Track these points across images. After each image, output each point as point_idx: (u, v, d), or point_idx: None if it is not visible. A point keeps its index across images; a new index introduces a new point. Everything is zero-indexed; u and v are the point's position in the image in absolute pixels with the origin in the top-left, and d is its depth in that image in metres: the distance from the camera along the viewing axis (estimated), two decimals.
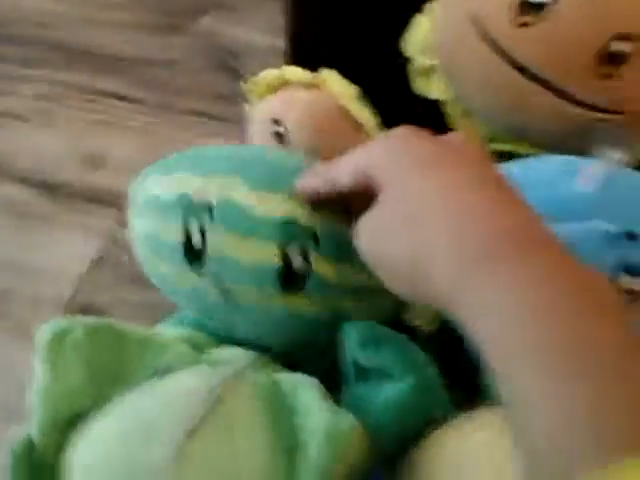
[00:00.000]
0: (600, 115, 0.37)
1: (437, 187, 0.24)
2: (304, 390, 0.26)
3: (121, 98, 0.91)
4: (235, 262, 0.30)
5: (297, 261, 0.30)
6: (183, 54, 0.97)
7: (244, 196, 0.29)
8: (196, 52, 0.97)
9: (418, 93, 0.47)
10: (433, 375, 0.31)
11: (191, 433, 0.23)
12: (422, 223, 0.23)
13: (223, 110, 0.88)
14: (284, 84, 0.48)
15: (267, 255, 0.29)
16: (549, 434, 0.18)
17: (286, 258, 0.30)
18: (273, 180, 0.31)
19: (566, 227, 0.28)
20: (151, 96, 0.92)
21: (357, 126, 0.46)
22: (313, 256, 0.30)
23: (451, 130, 0.45)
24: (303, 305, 0.30)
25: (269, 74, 0.49)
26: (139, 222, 0.32)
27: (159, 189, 0.31)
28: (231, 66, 0.95)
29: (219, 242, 0.29)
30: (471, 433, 0.27)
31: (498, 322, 0.20)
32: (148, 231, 0.32)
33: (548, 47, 0.36)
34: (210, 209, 0.30)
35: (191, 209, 0.30)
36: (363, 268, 0.27)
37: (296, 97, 0.47)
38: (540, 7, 0.35)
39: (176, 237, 0.30)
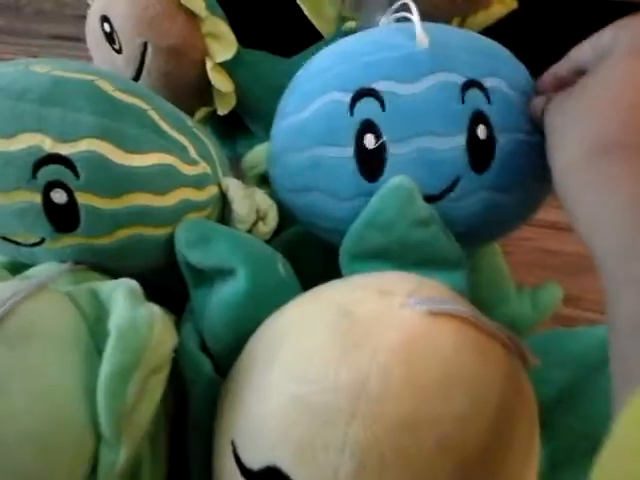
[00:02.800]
0: None
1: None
2: (118, 293, 0.24)
3: None
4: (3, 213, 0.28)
5: (58, 196, 0.28)
6: None
7: None
8: None
9: None
10: (271, 265, 0.30)
11: None
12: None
13: None
14: None
15: (25, 196, 0.28)
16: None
17: (47, 196, 0.28)
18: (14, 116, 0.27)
19: (417, 86, 0.29)
20: None
21: (189, 14, 0.43)
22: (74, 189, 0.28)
23: None
24: (90, 239, 0.29)
25: None
26: None
27: None
28: None
29: None
30: (289, 309, 0.26)
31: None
32: None
33: None
34: None
35: None
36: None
37: None
38: None
39: None
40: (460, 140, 0.29)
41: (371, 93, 0.30)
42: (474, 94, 0.30)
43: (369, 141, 0.30)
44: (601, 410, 0.25)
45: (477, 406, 0.21)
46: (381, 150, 0.30)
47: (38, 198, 0.28)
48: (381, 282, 0.25)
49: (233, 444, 0.23)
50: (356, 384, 0.20)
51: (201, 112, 0.55)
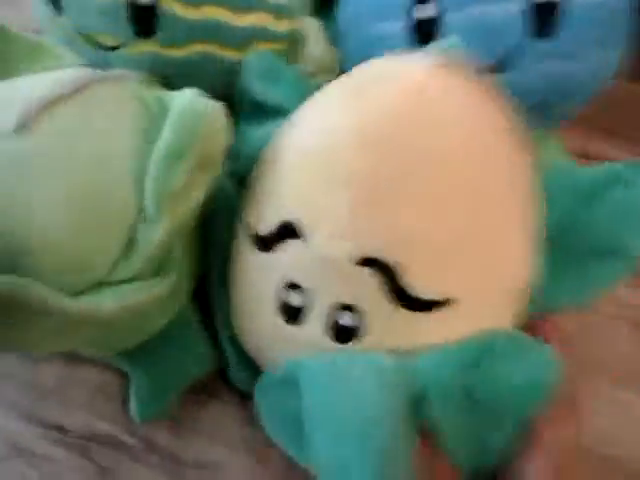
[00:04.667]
0: None
1: None
2: (183, 91, 0.24)
3: None
4: (89, 3, 0.28)
5: None
6: None
7: None
8: None
9: None
10: None
11: (46, 106, 0.21)
12: None
13: None
14: None
15: None
16: None
17: None
18: None
19: None
20: None
21: None
22: None
23: None
24: (165, 50, 0.29)
25: None
26: None
27: None
28: None
29: None
30: None
31: None
32: None
33: None
34: None
35: None
36: None
37: None
38: None
39: None
40: (519, 5, 0.28)
41: None
42: None
43: (426, 11, 0.30)
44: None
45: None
46: (436, 20, 0.29)
47: None
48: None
49: (248, 226, 0.24)
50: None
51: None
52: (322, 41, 0.33)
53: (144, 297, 0.23)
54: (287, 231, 0.22)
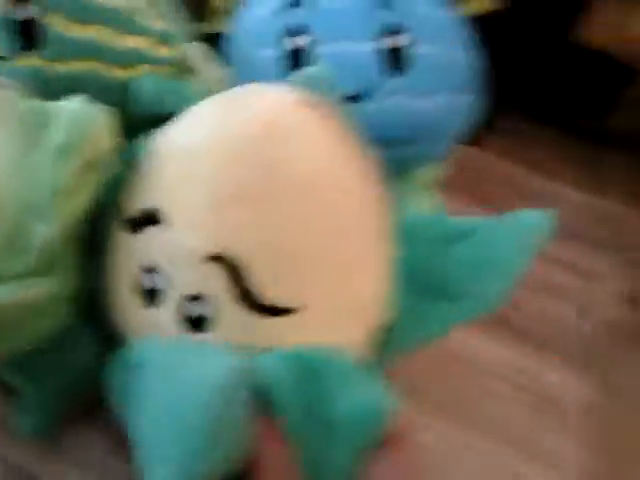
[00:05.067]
0: None
1: None
2: (71, 100, 0.24)
3: None
4: None
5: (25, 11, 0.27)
6: None
7: None
8: None
9: None
10: None
11: None
12: None
13: None
14: None
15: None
16: None
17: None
18: None
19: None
20: None
21: None
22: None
23: None
24: (49, 65, 0.29)
25: None
26: None
27: None
28: None
29: None
30: None
31: None
32: None
33: None
34: None
35: None
36: None
37: None
38: None
39: None
40: (375, 45, 0.33)
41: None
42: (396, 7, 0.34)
43: (294, 44, 0.34)
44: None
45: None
46: (304, 52, 0.34)
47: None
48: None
49: (120, 210, 0.25)
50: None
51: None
52: (212, 65, 0.35)
53: (30, 293, 0.22)
54: (150, 217, 0.23)
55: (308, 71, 0.29)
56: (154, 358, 0.22)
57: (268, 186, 0.22)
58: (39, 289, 0.23)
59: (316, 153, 0.24)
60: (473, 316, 0.27)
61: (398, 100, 0.33)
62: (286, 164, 0.23)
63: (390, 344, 0.26)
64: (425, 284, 0.27)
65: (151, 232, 0.23)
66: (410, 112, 0.34)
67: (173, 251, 0.23)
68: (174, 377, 0.20)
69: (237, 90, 0.26)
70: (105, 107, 0.24)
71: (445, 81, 0.34)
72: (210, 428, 0.19)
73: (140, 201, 0.24)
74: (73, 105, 0.23)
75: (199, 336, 0.22)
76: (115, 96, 0.31)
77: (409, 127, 0.34)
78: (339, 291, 0.23)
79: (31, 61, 0.29)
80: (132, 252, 0.24)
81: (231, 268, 0.22)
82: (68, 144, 0.22)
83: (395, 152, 0.33)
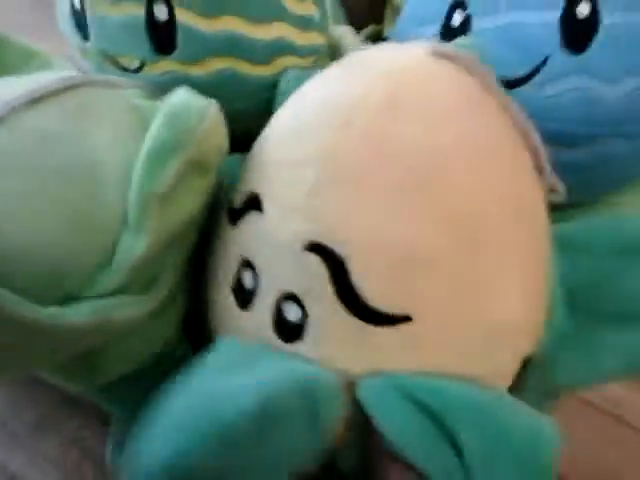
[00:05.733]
0: None
1: None
2: (176, 93, 0.22)
3: None
4: (109, 22, 0.28)
5: (159, 10, 0.27)
6: None
7: None
8: None
9: None
10: None
11: (27, 104, 0.20)
12: None
13: None
14: None
15: (132, 9, 0.28)
16: None
17: (149, 9, 0.27)
18: None
19: None
20: None
21: None
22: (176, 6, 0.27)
23: None
24: (185, 67, 0.28)
25: None
26: None
27: None
28: None
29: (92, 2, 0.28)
30: None
31: None
32: None
33: None
34: None
35: None
36: None
37: None
38: None
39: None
40: (554, 15, 0.25)
41: None
42: None
43: (455, 19, 0.28)
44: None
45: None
46: (465, 26, 0.28)
47: (142, 11, 0.28)
48: None
49: (227, 201, 0.23)
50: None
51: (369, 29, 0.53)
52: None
53: (121, 314, 0.20)
54: (250, 203, 0.21)
55: (457, 42, 0.24)
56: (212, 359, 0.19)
57: (384, 163, 0.18)
58: (129, 309, 0.20)
59: (455, 126, 0.19)
60: None
61: (577, 84, 0.26)
62: (413, 137, 0.18)
63: (548, 379, 0.21)
64: (593, 306, 0.20)
65: (251, 220, 0.21)
66: (594, 100, 0.26)
67: (269, 239, 0.20)
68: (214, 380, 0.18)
69: (357, 56, 0.22)
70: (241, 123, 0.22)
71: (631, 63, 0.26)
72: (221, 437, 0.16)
73: (242, 189, 0.22)
74: (175, 98, 0.21)
75: (293, 344, 0.19)
76: (258, 97, 0.29)
77: (582, 118, 0.26)
78: (468, 303, 0.19)
79: (167, 65, 0.29)
80: (231, 245, 0.22)
81: (332, 260, 0.18)
82: (165, 141, 0.20)
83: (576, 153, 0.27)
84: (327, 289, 0.18)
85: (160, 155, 0.20)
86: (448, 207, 0.18)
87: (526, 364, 0.21)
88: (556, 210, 0.22)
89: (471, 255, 0.18)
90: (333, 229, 0.18)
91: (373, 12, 0.46)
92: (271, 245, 0.20)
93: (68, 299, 0.20)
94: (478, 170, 0.19)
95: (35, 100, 0.20)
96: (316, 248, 0.19)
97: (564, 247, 0.21)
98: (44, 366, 0.22)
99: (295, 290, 0.19)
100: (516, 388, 0.20)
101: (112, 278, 0.20)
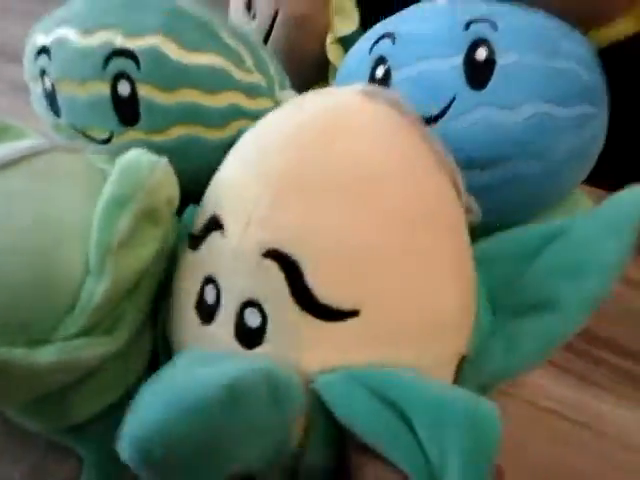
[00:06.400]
0: None
1: None
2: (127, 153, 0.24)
3: None
4: (78, 101, 0.32)
5: (123, 88, 0.31)
6: None
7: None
8: None
9: None
10: None
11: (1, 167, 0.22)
12: None
13: None
14: None
15: (98, 88, 0.31)
16: None
17: (114, 87, 0.31)
18: (96, 13, 0.32)
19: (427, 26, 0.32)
20: None
21: None
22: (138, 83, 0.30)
23: None
24: (150, 136, 0.31)
25: None
26: None
27: None
28: None
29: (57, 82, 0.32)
30: None
31: None
32: None
33: None
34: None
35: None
36: None
37: None
38: None
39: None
40: (457, 60, 0.30)
41: (387, 35, 0.33)
42: (480, 25, 0.31)
43: (378, 72, 0.33)
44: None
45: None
46: (387, 78, 0.32)
47: (107, 89, 0.31)
48: None
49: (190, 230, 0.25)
50: None
51: (317, 88, 0.56)
52: None
53: (88, 353, 0.22)
54: (212, 225, 0.23)
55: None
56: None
57: (328, 177, 0.22)
58: (95, 348, 0.22)
59: (385, 145, 0.23)
60: (571, 327, 0.23)
61: (484, 113, 0.30)
62: (350, 154, 0.22)
63: (481, 372, 0.23)
64: (509, 302, 0.24)
65: (212, 240, 0.23)
66: (499, 126, 0.30)
67: (230, 254, 0.22)
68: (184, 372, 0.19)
69: (296, 99, 0.26)
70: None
71: (529, 92, 0.29)
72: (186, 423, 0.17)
73: (204, 213, 0.24)
74: (128, 155, 0.23)
75: (254, 350, 0.21)
76: (217, 155, 0.30)
77: (488, 144, 0.30)
78: (408, 298, 0.21)
79: (133, 135, 0.32)
80: (193, 267, 0.24)
81: (288, 264, 0.21)
82: (118, 195, 0.22)
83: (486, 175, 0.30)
84: (284, 291, 0.21)
85: (114, 208, 0.22)
86: (385, 213, 0.21)
87: (461, 364, 0.23)
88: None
89: (411, 255, 0.21)
90: (288, 236, 0.21)
91: (319, 76, 0.50)
92: (232, 257, 0.22)
93: (35, 343, 0.22)
94: (410, 182, 0.22)
95: (5, 165, 0.23)
96: (273, 254, 0.21)
97: (481, 260, 0.24)
98: (12, 405, 0.24)
99: (255, 296, 0.21)
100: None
101: (76, 322, 0.22)
